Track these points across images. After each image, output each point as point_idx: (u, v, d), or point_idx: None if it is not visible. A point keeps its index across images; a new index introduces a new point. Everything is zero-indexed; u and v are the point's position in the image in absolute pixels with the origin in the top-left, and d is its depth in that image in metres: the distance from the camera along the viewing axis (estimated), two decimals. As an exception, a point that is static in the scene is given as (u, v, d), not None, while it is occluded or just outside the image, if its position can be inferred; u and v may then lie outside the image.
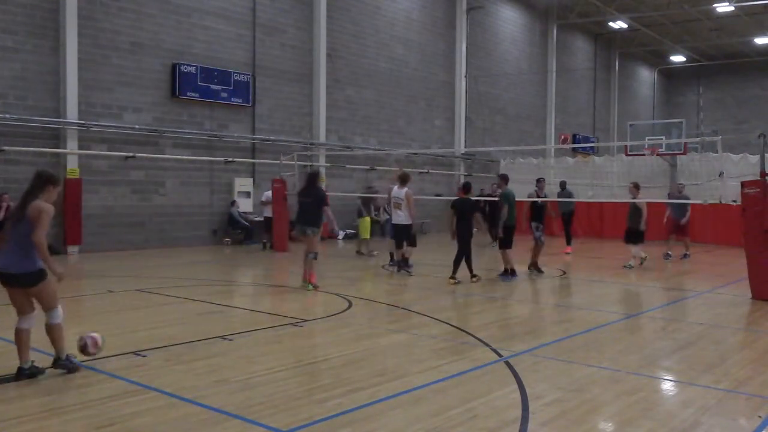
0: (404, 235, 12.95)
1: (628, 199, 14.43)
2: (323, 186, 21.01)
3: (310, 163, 21.49)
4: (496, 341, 7.12)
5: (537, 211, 13.82)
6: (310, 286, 10.62)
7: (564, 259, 16.19)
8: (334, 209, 18.59)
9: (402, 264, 12.87)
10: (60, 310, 5.73)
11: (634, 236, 13.92)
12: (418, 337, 7.39)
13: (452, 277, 11.55)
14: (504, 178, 13.45)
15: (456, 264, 11.61)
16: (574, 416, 4.85)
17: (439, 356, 6.55)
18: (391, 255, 14.00)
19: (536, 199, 13.94)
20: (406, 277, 12.42)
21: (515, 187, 24.62)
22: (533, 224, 13.60)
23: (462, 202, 11.86)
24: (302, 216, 10.90)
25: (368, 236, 16.58)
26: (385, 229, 23.05)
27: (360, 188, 21.18)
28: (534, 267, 13.09)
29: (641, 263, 13.98)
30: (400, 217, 12.90)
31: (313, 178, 11.26)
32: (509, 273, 12.37)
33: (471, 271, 11.71)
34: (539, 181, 14.71)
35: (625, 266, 13.90)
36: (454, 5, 27.34)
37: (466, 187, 12.30)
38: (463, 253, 11.63)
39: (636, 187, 14.36)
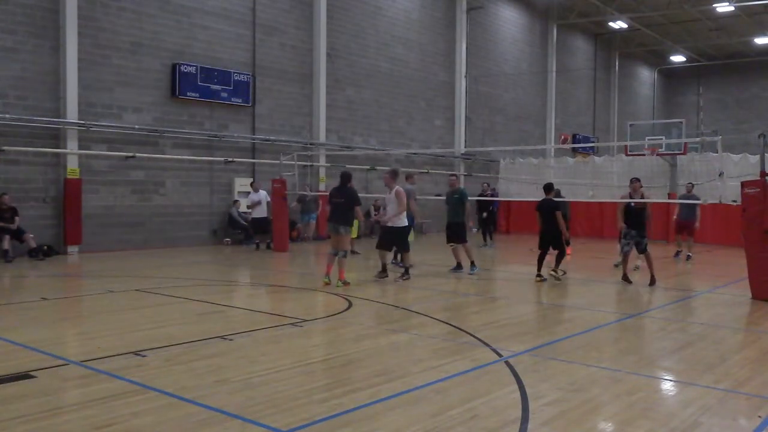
0: (392, 239, 12.04)
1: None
2: (323, 186, 21.17)
3: (311, 163, 21.52)
4: (496, 341, 7.12)
5: (631, 216, 11.67)
6: (339, 283, 10.93)
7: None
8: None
9: (391, 267, 12.24)
10: None
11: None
12: (418, 337, 7.39)
13: (539, 275, 11.78)
14: (456, 178, 14.17)
15: (541, 262, 11.88)
16: (574, 416, 4.85)
17: (439, 356, 6.54)
18: (396, 255, 14.03)
19: (630, 201, 12.02)
20: (401, 279, 11.86)
21: (515, 186, 24.98)
22: (630, 231, 11.62)
23: (547, 203, 12.00)
24: (335, 215, 11.23)
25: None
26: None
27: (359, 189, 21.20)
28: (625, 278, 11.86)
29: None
30: (390, 219, 11.98)
31: (345, 178, 11.47)
32: (459, 267, 13.16)
33: (556, 268, 11.93)
34: (633, 182, 12.20)
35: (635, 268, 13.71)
36: (454, 5, 27.34)
37: (549, 188, 12.25)
38: (552, 249, 11.88)
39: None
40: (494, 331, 7.83)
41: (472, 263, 13.03)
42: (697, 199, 15.54)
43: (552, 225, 11.84)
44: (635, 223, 11.57)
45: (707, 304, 10.21)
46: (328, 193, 11.86)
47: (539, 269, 11.95)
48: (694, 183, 17.31)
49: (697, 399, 5.29)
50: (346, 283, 10.98)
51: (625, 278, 11.80)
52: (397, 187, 11.91)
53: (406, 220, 11.96)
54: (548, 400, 5.16)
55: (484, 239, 19.62)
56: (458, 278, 12.54)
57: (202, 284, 11.51)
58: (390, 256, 12.56)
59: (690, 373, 6.08)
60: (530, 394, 5.26)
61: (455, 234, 13.20)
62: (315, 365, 6.26)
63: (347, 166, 22.27)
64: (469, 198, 14.06)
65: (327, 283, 11.01)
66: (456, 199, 13.24)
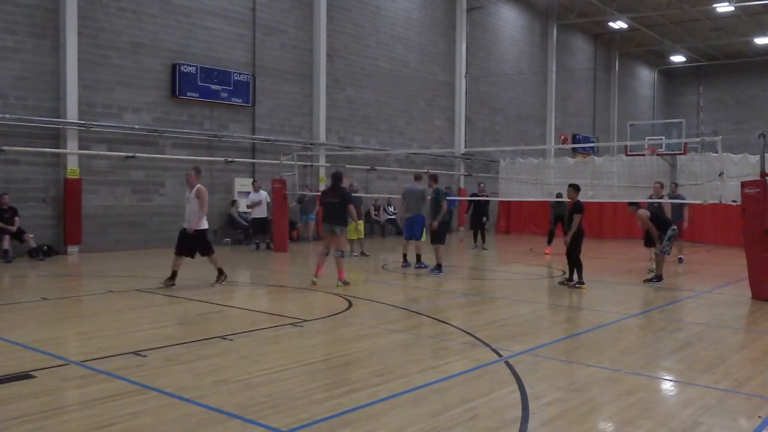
0: (196, 243, 10.96)
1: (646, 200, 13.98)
2: (322, 186, 21.16)
3: (311, 163, 21.51)
4: (496, 341, 7.12)
5: (654, 219, 12.02)
6: (340, 283, 10.95)
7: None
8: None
9: (220, 278, 11.13)
10: None
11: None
12: (418, 337, 7.39)
13: (581, 282, 11.24)
14: (434, 178, 13.79)
15: (579, 267, 11.29)
16: (574, 416, 4.85)
17: (439, 356, 6.54)
18: (404, 255, 14.01)
19: (656, 200, 12.23)
20: (218, 283, 11.01)
21: (515, 186, 24.99)
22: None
23: (579, 205, 11.43)
24: (329, 215, 11.21)
25: (356, 237, 16.47)
26: (386, 229, 23.22)
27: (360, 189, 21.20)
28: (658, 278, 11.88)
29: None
30: (189, 222, 10.94)
31: (337, 178, 11.46)
32: (438, 268, 12.96)
33: (578, 275, 11.35)
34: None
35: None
36: (454, 5, 27.35)
37: (578, 188, 11.60)
38: (576, 254, 11.31)
39: (662, 186, 14.15)
40: (494, 331, 7.83)
41: (438, 265, 12.96)
42: (683, 198, 15.52)
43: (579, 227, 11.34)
44: (661, 225, 11.87)
45: (707, 304, 10.21)
46: (320, 194, 11.67)
47: (580, 276, 11.32)
48: (678, 183, 17.26)
49: (697, 399, 5.29)
50: (346, 283, 10.99)
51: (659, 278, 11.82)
52: (198, 185, 10.93)
53: (206, 222, 11.02)
54: (548, 400, 5.16)
55: (475, 240, 19.04)
56: (440, 278, 12.53)
57: (202, 284, 11.50)
58: (181, 261, 11.00)
59: (690, 373, 6.08)
60: (530, 394, 5.26)
61: (433, 234, 13.15)
62: (315, 365, 6.25)
63: (347, 166, 22.32)
64: (466, 198, 13.98)
65: (314, 283, 10.96)
66: (432, 199, 13.21)
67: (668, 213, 13.90)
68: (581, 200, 11.58)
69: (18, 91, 15.19)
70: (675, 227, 12.07)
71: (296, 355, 6.59)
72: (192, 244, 11.01)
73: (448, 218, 13.14)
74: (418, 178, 14.25)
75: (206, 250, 11.14)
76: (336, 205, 11.15)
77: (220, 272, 11.15)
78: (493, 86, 29.82)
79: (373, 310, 9.10)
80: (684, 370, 6.26)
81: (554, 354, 6.74)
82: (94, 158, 16.54)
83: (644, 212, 12.09)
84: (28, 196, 15.48)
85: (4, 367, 5.83)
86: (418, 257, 13.82)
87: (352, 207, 11.48)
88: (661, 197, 13.70)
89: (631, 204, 12.53)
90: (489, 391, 5.37)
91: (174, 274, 10.89)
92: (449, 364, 6.18)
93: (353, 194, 16.84)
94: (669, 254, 12.05)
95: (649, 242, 13.30)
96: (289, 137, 20.83)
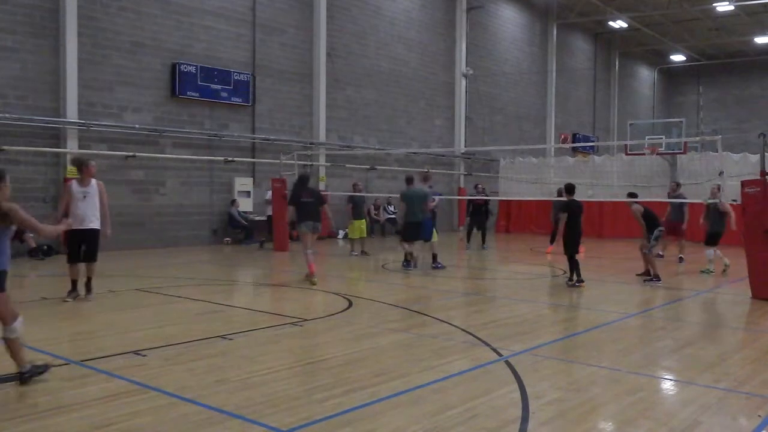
0: (94, 243, 9.53)
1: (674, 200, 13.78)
2: (323, 185, 21.24)
3: (311, 163, 21.51)
4: (496, 341, 7.12)
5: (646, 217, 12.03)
6: (315, 279, 11.22)
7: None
8: (336, 209, 18.71)
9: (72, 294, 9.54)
10: (17, 323, 5.44)
11: (714, 238, 13.30)
12: (418, 337, 7.39)
13: (580, 280, 11.23)
14: (409, 180, 13.93)
15: (575, 266, 11.30)
16: (574, 416, 4.85)
17: (439, 356, 6.54)
18: (405, 255, 14.02)
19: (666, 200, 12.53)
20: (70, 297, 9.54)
21: (515, 186, 24.99)
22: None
23: (578, 205, 11.41)
24: (311, 215, 11.47)
25: (359, 236, 16.60)
26: (386, 228, 23.22)
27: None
28: (647, 274, 12.14)
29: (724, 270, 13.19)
30: (92, 220, 9.40)
31: (307, 179, 11.88)
32: (413, 263, 13.42)
33: (576, 274, 11.34)
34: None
35: (703, 271, 13.35)
36: (454, 5, 27.34)
37: (572, 189, 11.52)
38: (574, 254, 11.29)
39: (719, 189, 14.15)
40: (494, 330, 7.83)
41: (411, 261, 13.38)
42: (684, 198, 15.48)
43: (579, 227, 11.37)
44: (650, 224, 11.98)
45: (707, 304, 10.21)
46: (289, 193, 11.89)
47: (579, 273, 11.33)
48: (680, 182, 17.16)
49: (697, 398, 5.29)
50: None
51: (649, 275, 12.03)
52: (93, 180, 9.59)
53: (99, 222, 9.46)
54: (548, 400, 5.16)
55: (468, 241, 18.67)
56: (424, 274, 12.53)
57: (202, 284, 11.51)
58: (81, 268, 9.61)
59: (690, 373, 6.08)
60: (530, 394, 5.26)
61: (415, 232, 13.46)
62: (315, 365, 6.25)
63: (347, 165, 22.34)
64: (464, 197, 14.10)
65: (314, 284, 11.08)
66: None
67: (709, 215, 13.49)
68: (578, 200, 11.59)
69: (18, 91, 15.19)
70: (662, 228, 12.15)
71: (296, 355, 6.60)
72: (90, 244, 9.45)
73: (420, 218, 13.30)
74: (422, 178, 14.44)
75: (96, 255, 9.62)
76: (315, 204, 11.52)
77: (76, 286, 9.56)
78: (493, 86, 29.82)
79: (373, 310, 9.10)
80: (684, 369, 6.26)
81: (554, 353, 6.75)
82: (94, 158, 16.39)
83: (638, 207, 12.09)
84: (28, 196, 15.47)
85: (4, 367, 5.83)
86: (434, 257, 13.80)
87: (326, 207, 11.91)
88: (676, 196, 13.70)
89: (629, 195, 12.63)
90: (489, 391, 5.37)
91: (75, 284, 9.51)
92: (449, 364, 6.18)
93: (357, 194, 17.03)
94: (651, 254, 12.14)
95: (672, 232, 13.42)
96: (289, 137, 20.84)
